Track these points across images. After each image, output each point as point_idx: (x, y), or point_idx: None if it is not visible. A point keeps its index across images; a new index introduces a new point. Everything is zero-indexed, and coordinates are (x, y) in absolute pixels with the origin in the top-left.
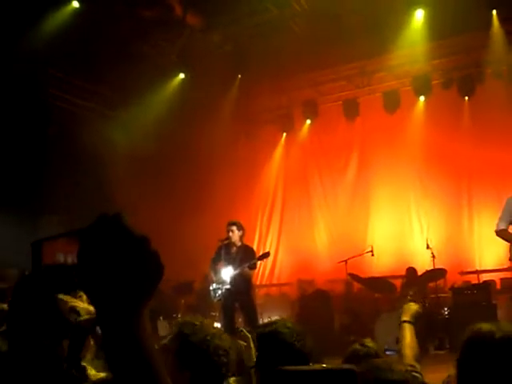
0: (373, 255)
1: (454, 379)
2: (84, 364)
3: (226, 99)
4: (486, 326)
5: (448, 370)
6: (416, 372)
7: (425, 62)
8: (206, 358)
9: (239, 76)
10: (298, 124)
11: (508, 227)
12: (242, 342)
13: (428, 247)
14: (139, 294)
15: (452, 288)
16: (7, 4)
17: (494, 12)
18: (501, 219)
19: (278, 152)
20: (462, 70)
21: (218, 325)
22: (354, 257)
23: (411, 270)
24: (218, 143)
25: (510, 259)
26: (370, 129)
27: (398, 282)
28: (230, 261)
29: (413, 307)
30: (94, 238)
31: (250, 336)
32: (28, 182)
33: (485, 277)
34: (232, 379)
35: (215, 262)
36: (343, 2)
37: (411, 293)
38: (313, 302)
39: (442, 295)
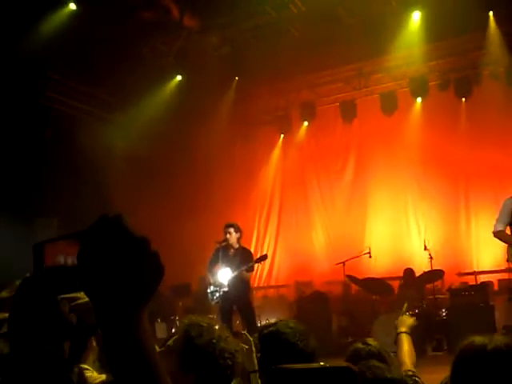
0: (370, 257)
1: None
2: (85, 366)
3: (224, 101)
4: (478, 339)
5: (446, 372)
6: (415, 376)
7: (422, 63)
8: (211, 361)
9: (236, 78)
10: (296, 126)
11: (506, 228)
12: (243, 345)
13: (425, 248)
14: (140, 295)
15: (450, 289)
16: (4, 6)
17: (491, 13)
18: (498, 221)
19: (276, 154)
20: (458, 72)
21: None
22: (351, 258)
23: (409, 272)
24: (215, 145)
25: (507, 260)
26: (367, 130)
27: (395, 284)
28: (228, 263)
29: (409, 321)
30: (94, 239)
31: (251, 339)
32: (25, 185)
33: (482, 278)
34: (233, 382)
35: (213, 265)
36: (340, 3)
37: (406, 304)
38: (310, 303)
39: (440, 296)
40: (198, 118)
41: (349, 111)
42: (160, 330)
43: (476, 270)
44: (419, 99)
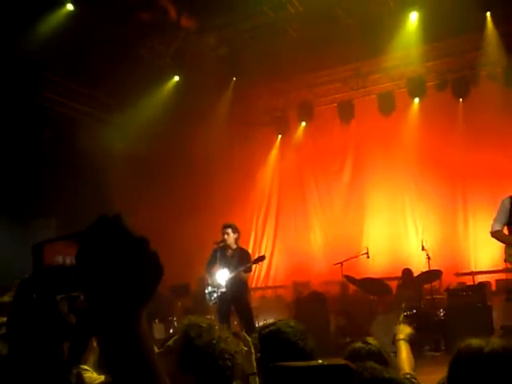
0: (368, 257)
1: None
2: (85, 367)
3: (221, 102)
4: (475, 341)
5: (443, 372)
6: (414, 379)
7: (419, 63)
8: (210, 362)
9: (234, 78)
10: (293, 126)
11: (503, 228)
12: (243, 347)
13: (423, 249)
14: (139, 295)
15: (447, 289)
16: (1, 7)
17: (488, 14)
18: (496, 220)
19: (273, 154)
20: (456, 72)
21: None
22: (349, 259)
23: (407, 272)
24: (213, 145)
25: (505, 260)
26: (364, 131)
27: (393, 284)
28: (226, 264)
29: (406, 330)
30: (93, 238)
31: (250, 341)
32: (24, 185)
33: (480, 278)
34: None
35: (210, 265)
36: (338, 4)
37: (403, 314)
38: (308, 304)
39: (438, 297)
40: (195, 118)
41: (346, 112)
42: (158, 330)
43: (474, 270)
44: (417, 100)
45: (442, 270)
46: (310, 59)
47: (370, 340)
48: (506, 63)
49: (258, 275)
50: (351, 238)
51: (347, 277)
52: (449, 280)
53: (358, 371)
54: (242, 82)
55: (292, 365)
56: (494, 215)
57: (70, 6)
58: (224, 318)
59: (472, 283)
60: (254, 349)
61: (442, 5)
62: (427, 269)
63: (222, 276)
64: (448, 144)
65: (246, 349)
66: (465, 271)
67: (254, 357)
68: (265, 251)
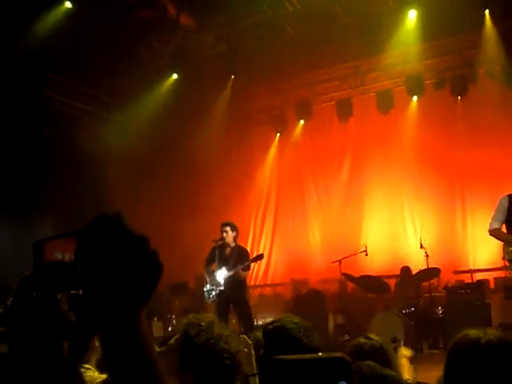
0: (367, 255)
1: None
2: (87, 366)
3: (220, 100)
4: (472, 332)
5: (442, 370)
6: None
7: (418, 61)
8: (209, 361)
9: (232, 77)
10: (292, 124)
11: (501, 227)
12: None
13: (421, 247)
14: (139, 294)
15: (446, 287)
16: (0, 5)
17: (487, 12)
18: (494, 219)
19: (272, 152)
20: (454, 70)
21: None
22: (347, 257)
23: (405, 269)
24: (211, 144)
25: (503, 258)
26: (363, 129)
27: (391, 282)
28: (224, 262)
29: (407, 352)
30: (93, 237)
31: (250, 342)
32: (23, 183)
33: (478, 276)
34: None
35: (209, 263)
36: (337, 2)
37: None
38: (307, 301)
39: (436, 294)
40: (194, 116)
41: (345, 110)
42: (157, 328)
43: (472, 268)
44: (415, 98)
45: (440, 267)
46: (308, 57)
47: (372, 336)
48: (504, 61)
49: (256, 273)
50: (350, 236)
51: (346, 275)
52: (447, 278)
53: (358, 369)
54: (240, 81)
55: (287, 358)
56: (493, 214)
57: (68, 4)
58: (222, 316)
59: (470, 281)
60: (259, 345)
61: (441, 3)
62: (426, 267)
63: (221, 274)
64: (446, 142)
65: (246, 350)
66: (463, 269)
67: (254, 358)
68: (263, 249)
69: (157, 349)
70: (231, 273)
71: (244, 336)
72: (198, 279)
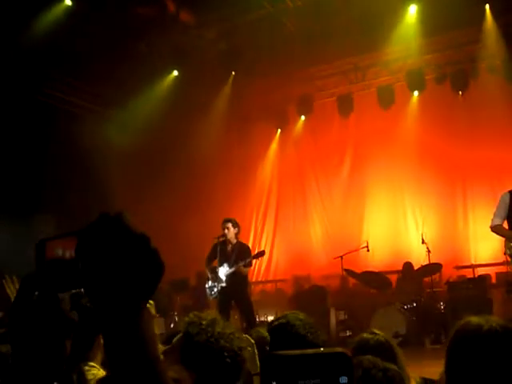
0: (368, 251)
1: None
2: (92, 364)
3: (220, 96)
4: (474, 319)
5: (444, 364)
6: None
7: (418, 57)
8: (210, 360)
9: (233, 73)
10: (293, 120)
11: (503, 223)
12: (248, 348)
13: (423, 242)
14: (140, 292)
15: (448, 282)
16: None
17: (487, 6)
18: (496, 215)
19: (273, 148)
20: (455, 65)
21: None
22: (349, 252)
23: (407, 265)
24: (212, 140)
25: (504, 253)
26: (364, 125)
27: (393, 277)
28: (226, 258)
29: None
30: (96, 236)
31: (253, 342)
32: (23, 182)
33: (480, 271)
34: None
35: (211, 260)
36: None
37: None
38: (309, 297)
39: (438, 290)
40: (195, 113)
41: (346, 105)
42: (158, 325)
43: (474, 263)
44: (416, 93)
45: (442, 263)
46: (309, 53)
47: (377, 331)
48: (505, 56)
49: (258, 269)
50: (351, 232)
51: (347, 270)
52: (449, 273)
53: (358, 361)
54: (240, 77)
55: (287, 353)
56: (494, 210)
57: (68, 1)
58: (224, 312)
59: (472, 276)
60: (262, 342)
61: None
62: (427, 262)
63: (223, 271)
64: (447, 137)
65: (249, 349)
66: (465, 264)
67: (257, 357)
68: (265, 245)
69: (161, 347)
70: (233, 269)
71: (246, 335)
72: (198, 276)
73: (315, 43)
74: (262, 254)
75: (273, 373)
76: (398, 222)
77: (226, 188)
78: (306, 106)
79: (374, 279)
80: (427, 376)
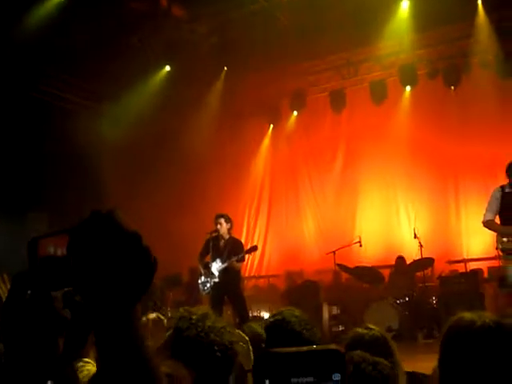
0: (361, 246)
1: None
2: (87, 360)
3: (213, 91)
4: (467, 315)
5: (437, 359)
6: None
7: (411, 51)
8: (200, 354)
9: (225, 68)
10: (285, 116)
11: (495, 218)
12: (242, 344)
13: (415, 237)
14: (133, 290)
15: (440, 277)
16: None
17: (479, 2)
18: (487, 210)
19: (265, 144)
20: (447, 60)
21: None
22: (342, 247)
23: (400, 260)
24: (204, 135)
25: (496, 248)
26: (356, 120)
27: (386, 272)
28: (218, 253)
29: None
30: (87, 234)
31: (247, 339)
32: (16, 179)
33: (472, 265)
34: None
35: (203, 255)
36: None
37: None
38: (301, 292)
39: (430, 284)
40: (187, 108)
41: (338, 101)
42: None
43: (466, 257)
44: (408, 88)
45: (434, 257)
46: (301, 48)
47: (371, 326)
48: (497, 51)
49: (251, 264)
50: (344, 227)
51: (340, 265)
52: (441, 267)
53: (349, 356)
54: (233, 72)
55: (279, 351)
56: (486, 205)
57: None
58: (217, 307)
59: (464, 270)
60: (255, 339)
61: None
62: (419, 257)
63: (215, 266)
64: (440, 132)
65: (244, 345)
66: (457, 259)
67: (252, 353)
68: (257, 241)
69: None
70: (225, 264)
71: (239, 331)
72: (191, 272)
73: (308, 38)
74: (254, 248)
75: (266, 370)
76: (391, 216)
77: (219, 183)
78: (298, 101)
79: (367, 274)
80: (420, 370)
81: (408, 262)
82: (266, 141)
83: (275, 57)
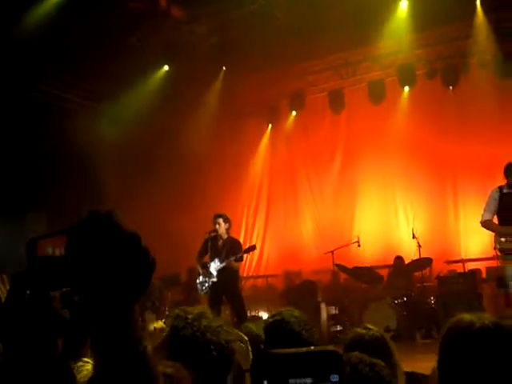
0: (359, 246)
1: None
2: (86, 359)
3: (211, 91)
4: (466, 316)
5: (436, 359)
6: None
7: (409, 51)
8: (196, 353)
9: (224, 68)
10: (284, 116)
11: (493, 218)
12: (241, 344)
13: (414, 237)
14: (131, 291)
15: (438, 277)
16: None
17: (478, 2)
18: (486, 210)
19: (264, 144)
20: (446, 60)
21: None
22: (340, 247)
23: (399, 260)
24: (203, 135)
25: (494, 248)
26: (355, 120)
27: (384, 272)
28: (217, 253)
29: None
30: (85, 234)
31: (247, 339)
32: (15, 180)
33: (470, 265)
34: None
35: (202, 255)
36: None
37: None
38: (299, 292)
39: (428, 284)
40: (186, 108)
41: (337, 102)
42: (149, 320)
43: (464, 257)
44: (407, 88)
45: (432, 257)
46: (300, 48)
47: (370, 326)
48: (495, 51)
49: (249, 264)
50: (342, 227)
51: (338, 265)
52: (439, 267)
53: (346, 357)
54: (232, 72)
55: (277, 352)
56: (484, 205)
57: None
58: (215, 307)
59: (462, 271)
60: (253, 339)
61: None
62: (418, 257)
63: (214, 266)
64: (438, 132)
65: (242, 345)
66: (455, 259)
67: (250, 353)
68: (256, 241)
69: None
70: (224, 264)
71: (238, 331)
72: (190, 271)
73: (306, 38)
74: (253, 248)
75: (264, 371)
76: (389, 216)
77: (217, 183)
78: (297, 101)
79: (365, 274)
80: (419, 370)
81: (406, 262)
82: (265, 141)
83: (274, 57)
